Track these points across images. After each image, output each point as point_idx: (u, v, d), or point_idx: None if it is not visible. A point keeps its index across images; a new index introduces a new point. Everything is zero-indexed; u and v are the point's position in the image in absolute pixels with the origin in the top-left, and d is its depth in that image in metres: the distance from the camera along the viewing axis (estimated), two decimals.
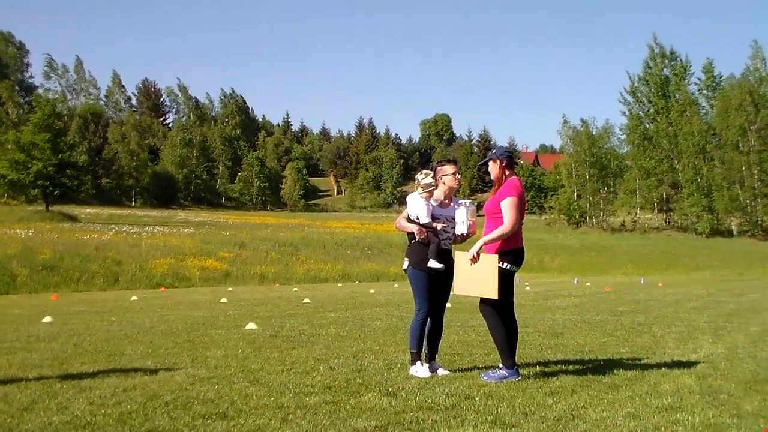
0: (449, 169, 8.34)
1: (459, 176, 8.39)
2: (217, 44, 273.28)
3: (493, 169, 8.02)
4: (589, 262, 67.83)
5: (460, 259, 7.94)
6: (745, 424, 5.69)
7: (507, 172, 7.96)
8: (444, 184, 8.32)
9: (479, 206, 9.81)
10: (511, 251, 7.79)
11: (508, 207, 7.72)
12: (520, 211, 7.83)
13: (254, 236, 58.16)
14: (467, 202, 8.29)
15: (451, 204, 8.33)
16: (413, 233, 8.18)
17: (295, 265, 50.58)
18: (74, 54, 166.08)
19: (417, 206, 8.20)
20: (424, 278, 8.16)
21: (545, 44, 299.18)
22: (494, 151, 8.09)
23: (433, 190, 8.23)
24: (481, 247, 7.76)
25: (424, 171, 8.40)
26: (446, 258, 8.18)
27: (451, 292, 8.42)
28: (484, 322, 8.02)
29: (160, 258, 43.71)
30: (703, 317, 16.25)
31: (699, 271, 62.85)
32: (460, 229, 8.14)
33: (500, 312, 7.85)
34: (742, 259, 69.20)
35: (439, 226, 8.12)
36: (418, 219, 8.17)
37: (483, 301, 7.89)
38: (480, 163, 8.63)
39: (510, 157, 8.03)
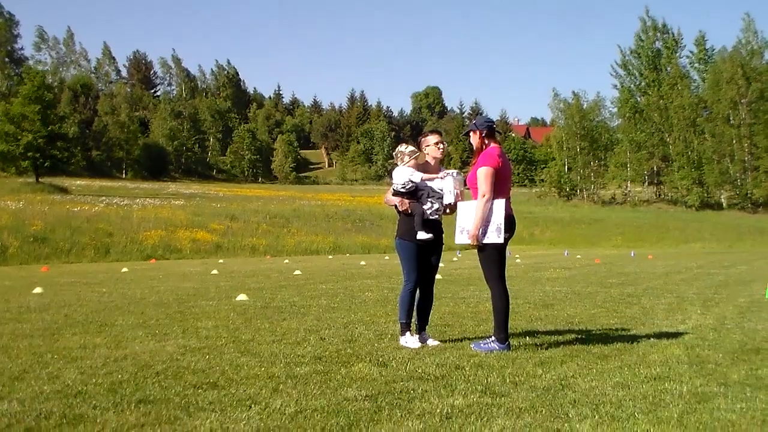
0: (432, 138, 8.35)
1: (442, 146, 8.37)
2: (208, 17, 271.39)
3: (474, 139, 8.00)
4: (580, 235, 68.09)
5: (461, 208, 7.98)
6: (731, 392, 5.74)
7: (486, 142, 7.94)
8: (428, 155, 8.32)
9: None
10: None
11: (482, 177, 7.68)
12: (502, 179, 7.79)
13: (245, 208, 58.17)
14: (454, 172, 8.26)
15: (439, 174, 8.30)
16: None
17: (286, 237, 50.64)
18: (65, 26, 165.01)
19: (405, 173, 8.18)
20: (412, 249, 8.16)
21: (537, 17, 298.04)
22: (475, 122, 8.07)
23: (418, 156, 8.23)
24: (473, 230, 7.70)
25: (402, 144, 8.43)
26: (434, 229, 8.18)
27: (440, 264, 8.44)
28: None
29: (151, 230, 43.74)
30: (692, 289, 16.35)
31: (689, 243, 63.18)
32: (448, 198, 8.09)
33: (503, 282, 7.85)
34: (731, 231, 69.56)
35: (437, 182, 8.10)
36: (406, 186, 8.13)
37: (487, 269, 7.88)
38: (462, 134, 8.61)
39: (490, 127, 7.98)
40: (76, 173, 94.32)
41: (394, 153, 8.51)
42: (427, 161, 8.34)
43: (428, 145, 8.31)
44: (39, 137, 67.03)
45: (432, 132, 8.53)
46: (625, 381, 6.19)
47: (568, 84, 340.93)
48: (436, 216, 8.23)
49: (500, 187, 7.75)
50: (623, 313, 11.48)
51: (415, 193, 8.13)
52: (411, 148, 8.27)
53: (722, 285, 17.60)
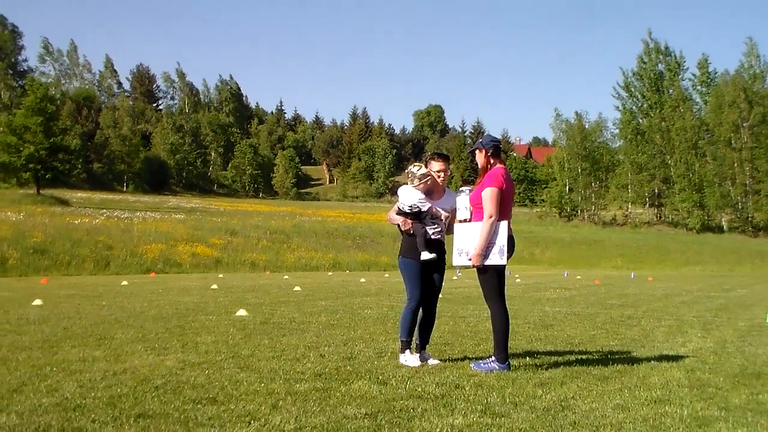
0: (435, 166, 8.25)
1: (443, 176, 8.26)
2: (211, 31, 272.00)
3: (479, 158, 7.99)
4: (580, 256, 68.00)
5: (459, 231, 7.99)
6: (732, 417, 5.73)
7: (492, 161, 7.94)
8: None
9: None
10: None
11: (487, 198, 7.69)
12: (505, 200, 7.80)
13: (245, 223, 58.11)
14: (467, 189, 8.24)
15: (444, 195, 8.30)
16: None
17: (286, 253, 50.59)
18: (68, 38, 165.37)
19: (413, 197, 8.17)
20: (415, 267, 8.16)
21: (540, 37, 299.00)
22: (481, 140, 8.07)
23: (429, 180, 8.19)
24: (478, 251, 7.70)
25: (416, 163, 8.38)
26: (437, 249, 8.18)
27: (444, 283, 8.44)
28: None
29: (151, 243, 43.69)
30: (693, 312, 16.32)
31: (689, 266, 63.07)
32: (462, 214, 8.06)
33: (503, 302, 7.85)
34: (731, 254, 69.49)
35: (443, 215, 8.12)
36: (413, 209, 8.14)
37: (487, 289, 7.87)
38: (468, 152, 8.58)
39: (496, 147, 7.98)
40: (77, 185, 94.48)
41: (405, 171, 8.48)
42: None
43: (431, 170, 8.26)
44: (41, 149, 67.10)
45: (439, 157, 8.37)
46: (625, 403, 6.18)
47: (571, 104, 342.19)
48: (439, 236, 8.23)
49: (504, 208, 7.76)
50: (623, 334, 11.46)
51: (419, 214, 8.14)
52: (423, 170, 8.19)
53: (722, 308, 17.57)
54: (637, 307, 17.33)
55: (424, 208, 8.10)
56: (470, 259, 7.76)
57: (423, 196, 8.13)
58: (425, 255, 8.02)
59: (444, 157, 8.43)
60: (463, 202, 8.09)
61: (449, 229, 8.29)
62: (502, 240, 7.65)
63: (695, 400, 6.34)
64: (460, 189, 8.24)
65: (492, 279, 7.83)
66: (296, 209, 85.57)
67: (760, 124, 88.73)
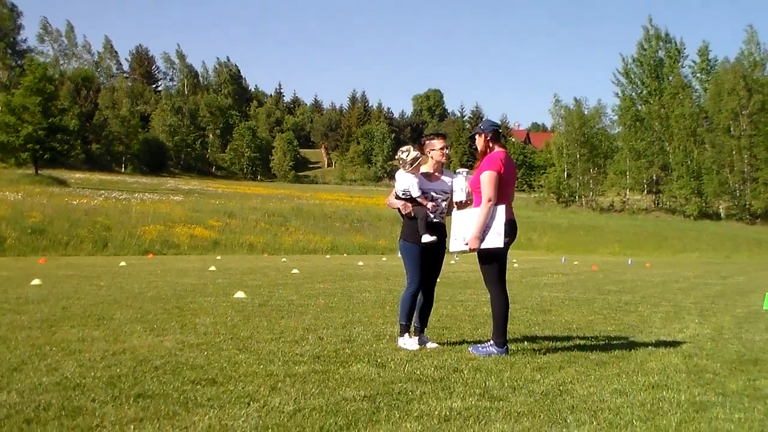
0: (437, 143, 8.24)
1: (447, 151, 8.31)
2: (210, 14, 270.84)
3: (479, 142, 7.97)
4: (578, 241, 68.09)
5: (456, 217, 7.99)
6: (729, 402, 5.75)
7: (491, 146, 7.93)
8: (432, 158, 8.28)
9: None
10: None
11: (485, 182, 7.68)
12: (504, 184, 7.79)
13: (243, 206, 58.16)
14: (464, 171, 8.24)
15: (441, 177, 8.29)
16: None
17: (284, 236, 50.64)
18: (67, 18, 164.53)
19: (406, 182, 8.16)
20: (416, 251, 8.15)
21: (540, 22, 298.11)
22: (481, 125, 8.05)
23: (421, 163, 8.20)
24: (475, 233, 7.70)
25: (402, 148, 8.36)
26: (438, 232, 8.17)
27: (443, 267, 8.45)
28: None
29: (150, 225, 43.73)
30: (690, 298, 16.36)
31: (686, 253, 63.20)
32: (459, 196, 8.06)
33: (503, 286, 7.86)
34: (729, 242, 69.62)
35: (429, 205, 8.11)
36: (406, 194, 8.14)
37: (487, 273, 7.88)
38: (468, 137, 8.57)
39: (496, 131, 7.96)
40: (76, 166, 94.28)
41: (396, 156, 8.48)
42: (429, 165, 8.30)
43: (433, 149, 8.23)
44: (39, 129, 66.91)
45: (438, 136, 8.39)
46: (623, 388, 6.20)
47: (570, 90, 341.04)
48: (440, 219, 8.24)
49: (502, 191, 7.75)
50: (621, 320, 11.50)
51: (413, 199, 8.13)
52: (413, 154, 8.15)
53: (720, 295, 17.62)
54: (635, 293, 17.37)
55: (415, 194, 8.08)
56: (467, 243, 7.76)
57: (416, 179, 8.11)
58: (426, 238, 8.01)
59: (444, 136, 8.51)
60: (459, 183, 8.09)
61: (449, 211, 8.29)
62: (499, 223, 7.64)
63: (692, 386, 6.36)
64: (458, 170, 8.24)
65: (492, 263, 7.83)
66: (294, 192, 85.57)
67: (759, 112, 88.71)
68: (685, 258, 57.52)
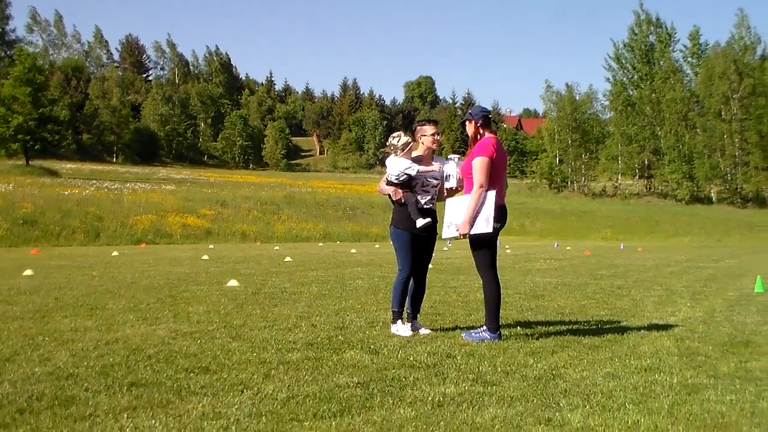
0: (428, 129, 8.24)
1: (438, 137, 8.31)
2: (201, 1, 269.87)
3: (470, 128, 7.96)
4: (570, 227, 68.22)
5: (449, 204, 7.99)
6: (721, 384, 5.77)
7: (482, 132, 7.92)
8: (422, 144, 8.27)
9: None
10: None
11: (477, 168, 7.67)
12: (495, 169, 7.78)
13: (236, 194, 58.06)
14: (456, 156, 8.24)
15: (433, 163, 8.28)
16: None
17: (276, 224, 50.63)
18: (54, 8, 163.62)
19: (402, 164, 8.15)
20: (406, 237, 8.15)
21: (531, 7, 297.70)
22: (471, 111, 8.03)
23: (412, 149, 8.19)
24: (465, 219, 7.69)
25: (394, 134, 8.35)
26: (429, 217, 8.16)
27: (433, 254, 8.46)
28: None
29: (142, 214, 43.64)
30: (682, 282, 16.41)
31: (678, 237, 63.35)
32: (450, 182, 8.09)
33: (494, 272, 7.87)
34: (720, 225, 69.83)
35: (434, 166, 8.09)
36: (402, 178, 8.12)
37: (479, 259, 7.89)
38: (458, 124, 8.58)
39: (486, 117, 7.94)
40: (67, 156, 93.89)
41: (387, 143, 8.46)
42: (420, 150, 8.29)
43: (424, 135, 8.23)
44: (29, 119, 66.58)
45: (429, 122, 8.38)
46: (615, 372, 6.22)
47: (561, 76, 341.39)
48: (431, 205, 8.23)
49: (494, 177, 7.74)
50: (613, 304, 11.52)
51: (409, 183, 8.12)
52: (404, 140, 8.15)
53: (711, 278, 17.67)
54: (627, 278, 17.41)
55: (413, 172, 8.06)
56: (458, 229, 7.76)
57: (409, 163, 8.11)
58: (420, 221, 8.00)
59: (435, 122, 8.48)
60: (450, 169, 8.09)
61: (440, 196, 8.29)
62: (489, 209, 7.64)
63: (685, 368, 6.38)
64: (449, 156, 8.24)
65: (483, 249, 7.84)
66: (286, 180, 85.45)
67: (750, 96, 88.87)
68: (677, 242, 57.67)
